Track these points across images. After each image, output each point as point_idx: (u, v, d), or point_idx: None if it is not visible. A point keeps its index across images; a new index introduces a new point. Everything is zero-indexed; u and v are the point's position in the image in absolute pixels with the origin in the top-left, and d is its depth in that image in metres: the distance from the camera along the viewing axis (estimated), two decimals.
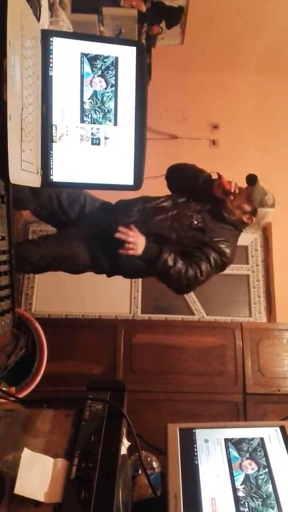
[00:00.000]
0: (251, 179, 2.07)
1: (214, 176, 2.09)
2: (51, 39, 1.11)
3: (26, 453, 0.81)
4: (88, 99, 1.16)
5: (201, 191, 2.10)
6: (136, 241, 1.93)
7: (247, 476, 0.95)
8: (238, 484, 0.93)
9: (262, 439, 1.04)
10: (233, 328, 3.00)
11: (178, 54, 3.73)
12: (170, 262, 1.96)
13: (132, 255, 1.95)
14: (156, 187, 2.16)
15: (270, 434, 1.05)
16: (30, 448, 0.82)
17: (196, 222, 2.05)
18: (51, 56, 1.11)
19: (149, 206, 2.11)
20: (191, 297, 3.67)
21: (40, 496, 0.75)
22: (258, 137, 4.02)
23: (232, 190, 2.02)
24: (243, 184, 2.05)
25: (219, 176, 2.03)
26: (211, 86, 4.07)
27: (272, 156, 3.97)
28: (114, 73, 1.16)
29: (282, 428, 1.07)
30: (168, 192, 2.20)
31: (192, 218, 2.06)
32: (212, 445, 1.03)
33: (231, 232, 2.11)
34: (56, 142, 1.15)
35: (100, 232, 2.07)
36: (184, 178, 2.18)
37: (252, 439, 1.04)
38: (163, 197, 2.17)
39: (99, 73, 1.16)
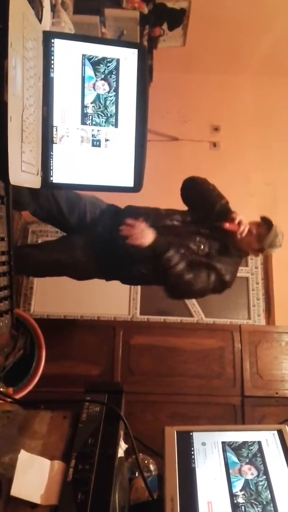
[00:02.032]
0: (267, 222, 2.08)
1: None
2: (52, 40, 1.11)
3: (23, 455, 0.81)
4: (91, 103, 1.16)
5: (214, 218, 2.08)
6: (143, 231, 1.92)
7: (246, 482, 0.95)
8: (237, 489, 0.93)
9: (259, 443, 1.04)
10: (231, 331, 3.00)
11: (180, 56, 3.73)
12: (175, 261, 1.95)
13: (140, 245, 1.92)
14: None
15: (267, 438, 1.05)
16: (27, 450, 0.82)
17: (202, 247, 2.06)
18: (52, 57, 1.11)
19: (160, 224, 2.08)
20: (190, 300, 3.67)
21: (36, 498, 0.75)
22: (259, 139, 4.02)
23: (243, 235, 2.02)
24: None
25: (233, 218, 2.02)
26: (212, 88, 4.08)
27: (273, 158, 3.97)
28: (115, 75, 1.17)
29: (280, 432, 1.06)
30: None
31: (200, 243, 2.06)
32: (209, 448, 1.02)
33: (234, 260, 2.13)
34: (56, 143, 1.15)
35: (103, 239, 2.06)
36: (200, 199, 2.13)
37: (252, 444, 1.04)
38: (175, 213, 2.15)
39: (102, 76, 1.16)
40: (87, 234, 2.09)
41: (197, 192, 2.12)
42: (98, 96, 1.16)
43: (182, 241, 2.05)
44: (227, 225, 2.00)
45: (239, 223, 2.00)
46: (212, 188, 2.12)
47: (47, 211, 2.06)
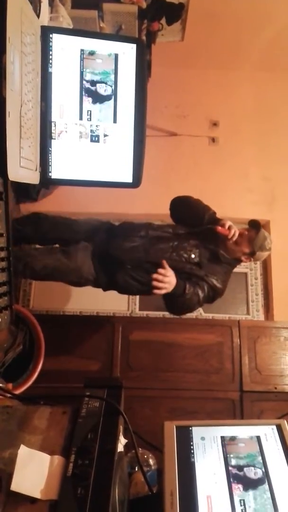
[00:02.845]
0: (255, 225, 2.16)
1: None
2: (50, 35, 1.10)
3: (23, 450, 0.81)
4: (89, 97, 1.16)
5: (204, 228, 2.16)
6: (170, 281, 1.95)
7: (244, 476, 0.95)
8: (234, 482, 0.93)
9: (258, 437, 1.04)
10: (230, 326, 3.00)
11: (178, 51, 3.72)
12: (189, 295, 2.04)
13: (163, 291, 1.98)
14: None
15: (266, 433, 1.06)
16: (27, 445, 0.82)
17: (193, 256, 2.11)
18: (50, 52, 1.11)
19: (152, 233, 2.17)
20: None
21: (36, 493, 0.75)
22: (257, 135, 4.01)
23: (234, 239, 2.08)
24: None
25: (224, 224, 2.09)
26: (211, 83, 4.06)
27: (272, 154, 3.97)
28: (114, 70, 1.16)
29: (279, 427, 1.07)
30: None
31: (190, 252, 2.12)
32: (208, 443, 1.03)
33: (224, 269, 2.19)
34: (55, 139, 1.15)
35: (100, 252, 2.16)
36: (189, 214, 2.22)
37: (250, 438, 1.04)
38: (166, 226, 2.25)
39: (100, 71, 1.15)
40: (88, 243, 2.20)
41: (186, 205, 2.24)
42: (96, 91, 1.16)
43: (173, 249, 2.11)
44: (219, 228, 2.07)
45: (229, 228, 2.07)
46: (199, 201, 2.24)
47: (49, 240, 2.23)
